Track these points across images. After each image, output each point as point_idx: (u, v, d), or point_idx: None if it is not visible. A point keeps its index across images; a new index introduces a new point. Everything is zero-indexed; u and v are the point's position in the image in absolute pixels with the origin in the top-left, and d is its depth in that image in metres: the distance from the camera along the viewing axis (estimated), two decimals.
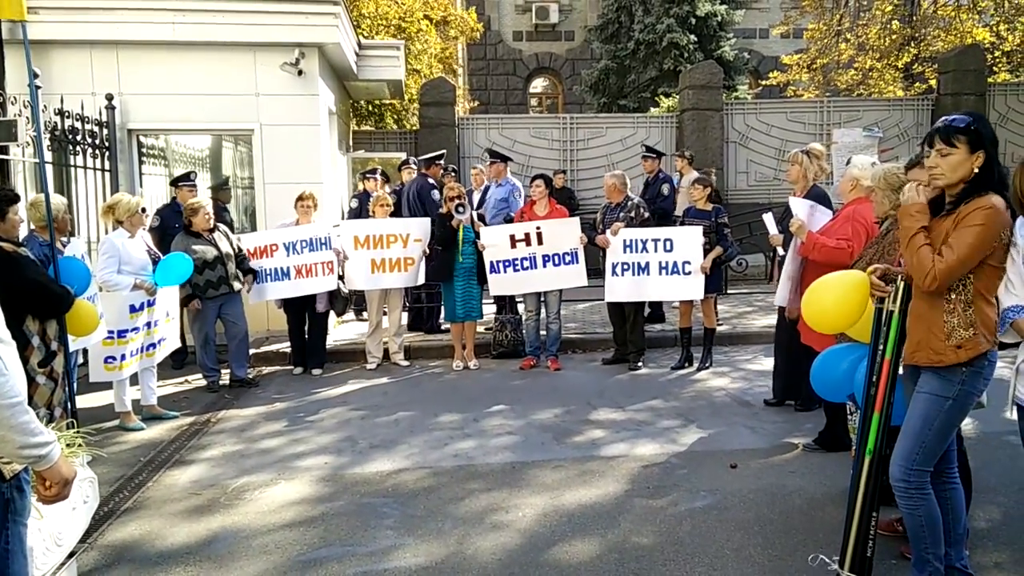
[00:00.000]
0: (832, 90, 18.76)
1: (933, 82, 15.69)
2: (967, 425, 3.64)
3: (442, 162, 9.38)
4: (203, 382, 7.06)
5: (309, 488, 4.63)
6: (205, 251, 6.76)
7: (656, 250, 7.21)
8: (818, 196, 5.68)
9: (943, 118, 2.96)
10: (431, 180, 8.97)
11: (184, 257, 6.22)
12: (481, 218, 8.07)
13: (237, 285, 6.97)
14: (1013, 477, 4.45)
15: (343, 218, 9.10)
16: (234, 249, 7.04)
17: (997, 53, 16.90)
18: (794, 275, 5.29)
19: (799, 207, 5.23)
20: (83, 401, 6.01)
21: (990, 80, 15.02)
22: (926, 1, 17.54)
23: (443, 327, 8.81)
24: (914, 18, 17.49)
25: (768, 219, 5.83)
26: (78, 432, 3.94)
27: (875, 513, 3.15)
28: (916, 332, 2.99)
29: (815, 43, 18.37)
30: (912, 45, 17.40)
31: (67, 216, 5.49)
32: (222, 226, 7.14)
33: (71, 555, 3.66)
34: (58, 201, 5.28)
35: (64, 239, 5.37)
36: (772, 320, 7.33)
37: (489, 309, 8.94)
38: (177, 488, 4.68)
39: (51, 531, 3.42)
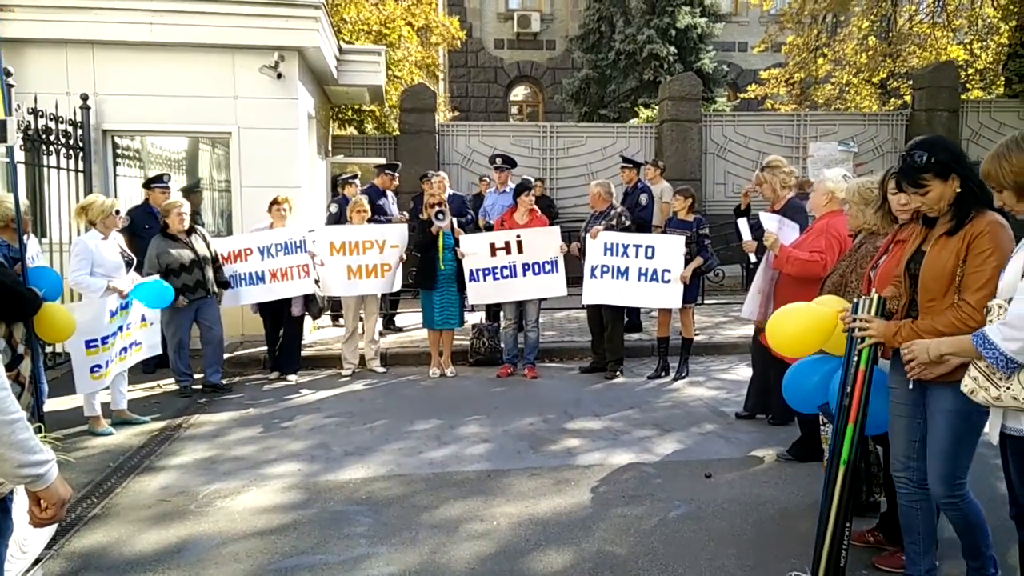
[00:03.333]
0: (809, 104, 18.98)
1: (908, 98, 15.93)
2: None
3: (393, 172, 9.67)
4: (175, 386, 6.97)
5: (281, 496, 4.58)
6: (181, 254, 6.68)
7: (637, 256, 7.22)
8: (795, 208, 5.72)
9: (902, 154, 3.02)
10: (379, 189, 9.43)
11: (162, 285, 6.13)
12: (462, 225, 8.06)
13: (214, 290, 6.90)
14: (982, 488, 4.47)
15: (327, 222, 9.08)
16: (211, 253, 6.97)
17: (971, 70, 17.19)
18: (764, 288, 5.32)
19: (770, 221, 5.27)
20: (51, 405, 5.92)
21: (963, 97, 15.26)
22: (902, 18, 17.80)
23: (399, 327, 9.51)
24: (890, 35, 17.74)
25: (742, 224, 5.86)
26: (45, 437, 3.88)
27: (849, 523, 3.17)
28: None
29: (793, 58, 18.58)
30: (888, 61, 17.64)
31: (27, 216, 5.38)
32: (200, 228, 7.07)
33: (36, 562, 3.60)
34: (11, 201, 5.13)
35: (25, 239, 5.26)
36: (748, 330, 7.38)
37: (476, 317, 8.98)
38: (146, 495, 4.60)
39: (17, 538, 3.36)
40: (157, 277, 6.33)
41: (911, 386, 3.02)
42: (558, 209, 12.74)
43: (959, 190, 2.90)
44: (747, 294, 5.62)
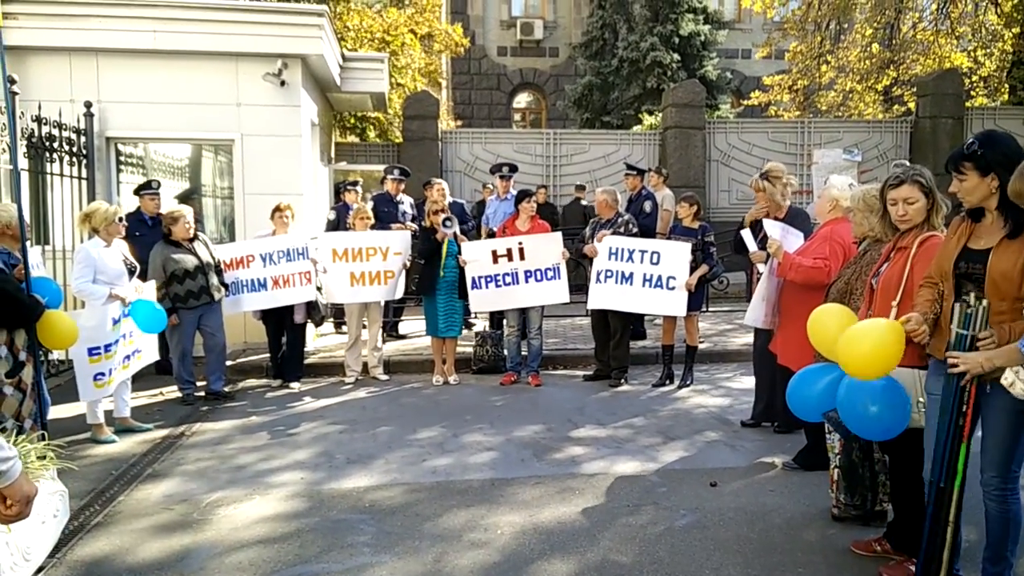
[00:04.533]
0: (813, 111, 18.98)
1: (912, 105, 15.92)
2: None
3: (398, 175, 9.52)
4: (177, 394, 6.96)
5: (284, 504, 4.56)
6: (185, 260, 6.69)
7: (642, 261, 7.17)
8: (796, 215, 5.69)
9: (966, 140, 3.11)
10: (389, 195, 9.37)
11: (155, 308, 6.08)
12: (465, 232, 8.05)
13: (217, 295, 6.90)
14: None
15: (326, 230, 9.07)
16: (213, 259, 6.97)
17: (975, 78, 17.19)
18: (769, 296, 5.29)
19: (773, 229, 5.24)
20: (54, 412, 5.89)
21: (968, 104, 15.25)
22: (905, 25, 17.81)
23: (402, 334, 9.58)
24: (894, 42, 17.75)
25: (747, 235, 5.82)
26: (48, 444, 3.87)
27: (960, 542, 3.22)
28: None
29: (797, 64, 18.59)
30: (892, 68, 17.65)
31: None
32: (202, 235, 7.08)
33: (39, 570, 3.59)
34: (12, 209, 5.05)
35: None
36: (752, 338, 7.33)
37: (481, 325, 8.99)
38: (149, 503, 4.58)
39: (19, 545, 3.35)
40: (154, 286, 6.31)
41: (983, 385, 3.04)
42: (559, 218, 12.66)
43: (995, 191, 2.96)
44: (750, 302, 5.58)
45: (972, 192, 3.01)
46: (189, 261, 6.71)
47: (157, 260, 6.63)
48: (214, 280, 6.87)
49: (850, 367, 3.27)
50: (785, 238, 5.21)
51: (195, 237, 6.88)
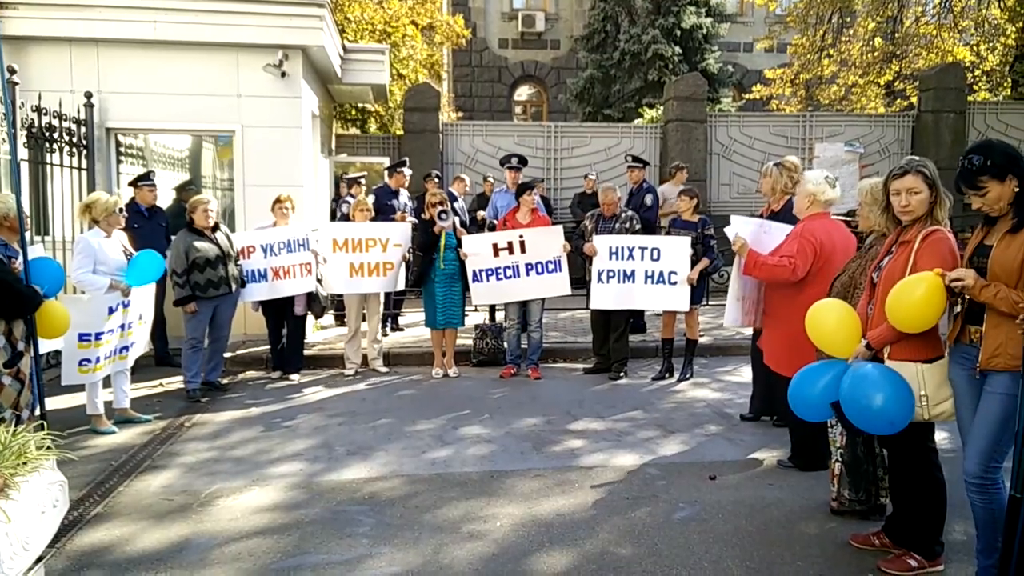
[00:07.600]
0: (814, 105, 18.94)
1: (914, 99, 15.88)
2: (942, 439, 3.65)
3: (405, 170, 9.60)
4: (177, 385, 6.96)
5: (283, 495, 4.56)
6: (207, 249, 6.68)
7: (643, 258, 7.16)
8: (791, 210, 5.67)
9: (961, 158, 3.14)
10: (390, 188, 9.43)
11: (155, 254, 6.09)
12: (463, 224, 8.04)
13: (235, 285, 6.90)
14: None
15: (331, 219, 9.08)
16: (233, 251, 6.98)
17: (977, 72, 17.15)
18: (748, 294, 5.26)
19: (741, 226, 5.19)
20: (53, 403, 5.90)
21: (970, 99, 15.20)
22: (908, 19, 17.75)
23: (401, 326, 9.63)
24: (896, 36, 17.69)
25: (733, 224, 5.75)
26: (47, 435, 3.87)
27: None
28: (994, 338, 3.06)
29: (798, 58, 18.54)
30: (894, 62, 17.60)
31: (14, 216, 5.32)
32: (224, 227, 7.07)
33: (39, 560, 3.58)
34: (10, 200, 5.03)
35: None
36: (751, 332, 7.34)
37: (478, 317, 8.97)
38: (148, 493, 4.59)
39: (18, 535, 3.34)
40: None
41: (979, 376, 3.13)
42: (558, 211, 12.65)
43: (1017, 189, 3.04)
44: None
45: (999, 200, 3.08)
46: (211, 250, 6.70)
47: (180, 247, 6.60)
48: (233, 270, 6.88)
49: (899, 316, 3.25)
50: (761, 236, 5.16)
51: (216, 227, 6.87)
